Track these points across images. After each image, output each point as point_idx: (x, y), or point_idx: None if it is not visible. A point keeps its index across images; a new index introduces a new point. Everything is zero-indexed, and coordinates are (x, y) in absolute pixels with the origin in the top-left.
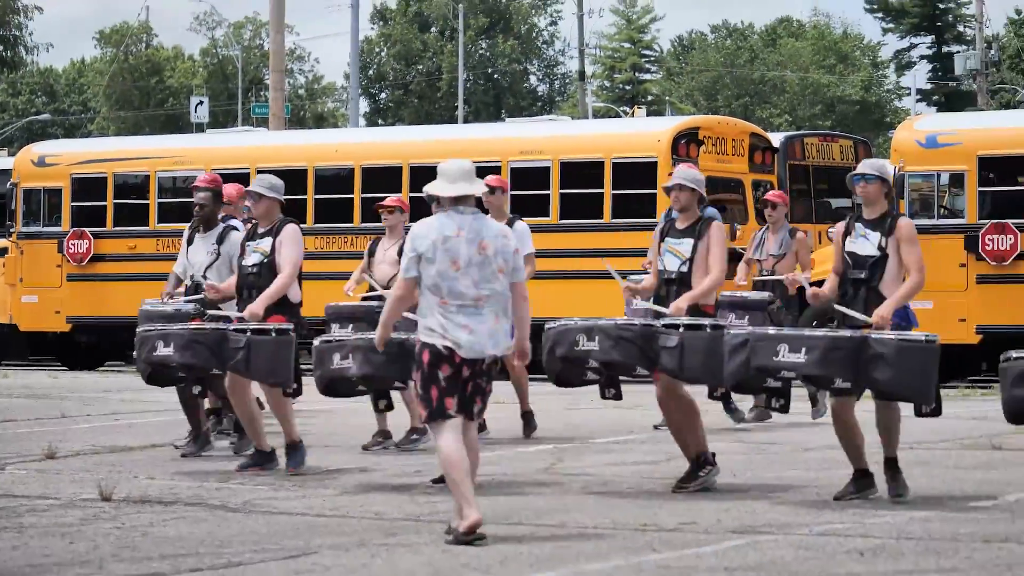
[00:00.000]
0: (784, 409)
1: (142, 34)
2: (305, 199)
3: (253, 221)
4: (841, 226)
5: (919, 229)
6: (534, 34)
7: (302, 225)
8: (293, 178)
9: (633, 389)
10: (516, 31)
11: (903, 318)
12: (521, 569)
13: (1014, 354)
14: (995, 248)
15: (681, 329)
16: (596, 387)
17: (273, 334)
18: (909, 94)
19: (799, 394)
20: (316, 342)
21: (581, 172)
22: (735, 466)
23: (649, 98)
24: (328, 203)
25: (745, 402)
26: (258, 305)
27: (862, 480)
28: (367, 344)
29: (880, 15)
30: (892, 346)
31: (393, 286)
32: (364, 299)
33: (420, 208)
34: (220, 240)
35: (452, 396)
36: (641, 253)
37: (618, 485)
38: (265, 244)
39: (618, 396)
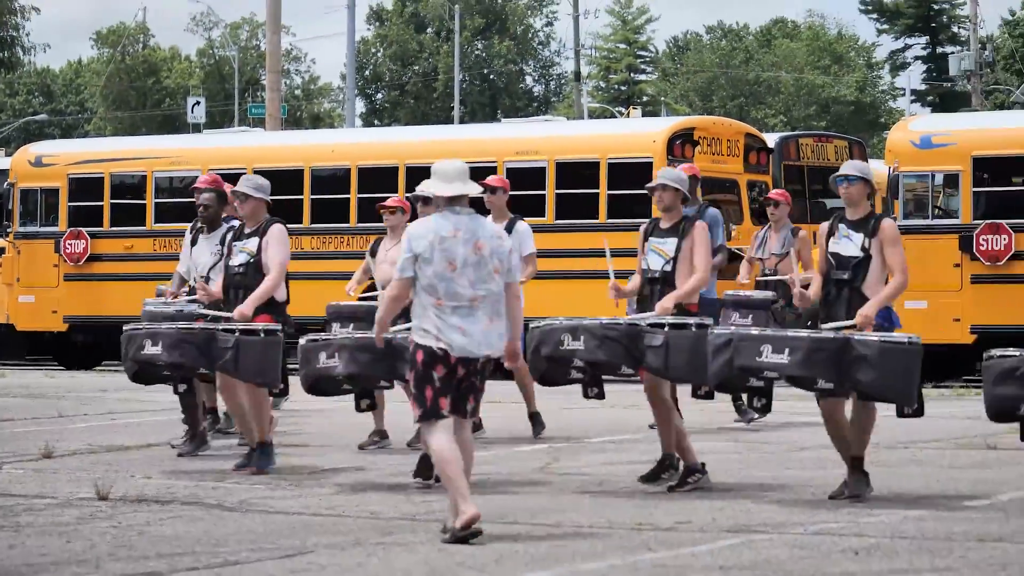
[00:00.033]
0: (766, 409)
1: (139, 35)
2: (301, 199)
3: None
4: (825, 227)
5: (914, 229)
6: (530, 35)
7: (298, 225)
8: (289, 178)
9: (629, 389)
10: (512, 32)
11: (886, 319)
12: (517, 568)
13: (996, 353)
14: (989, 248)
15: (666, 328)
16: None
17: (262, 334)
18: (904, 95)
19: (797, 394)
20: (302, 341)
21: (577, 172)
22: (730, 465)
23: (644, 99)
24: (324, 203)
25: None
26: (247, 306)
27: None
28: (353, 343)
29: (875, 16)
30: (875, 348)
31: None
32: (361, 299)
33: None
34: (224, 240)
35: (446, 396)
36: (637, 254)
37: (613, 484)
38: (252, 244)
39: (600, 395)
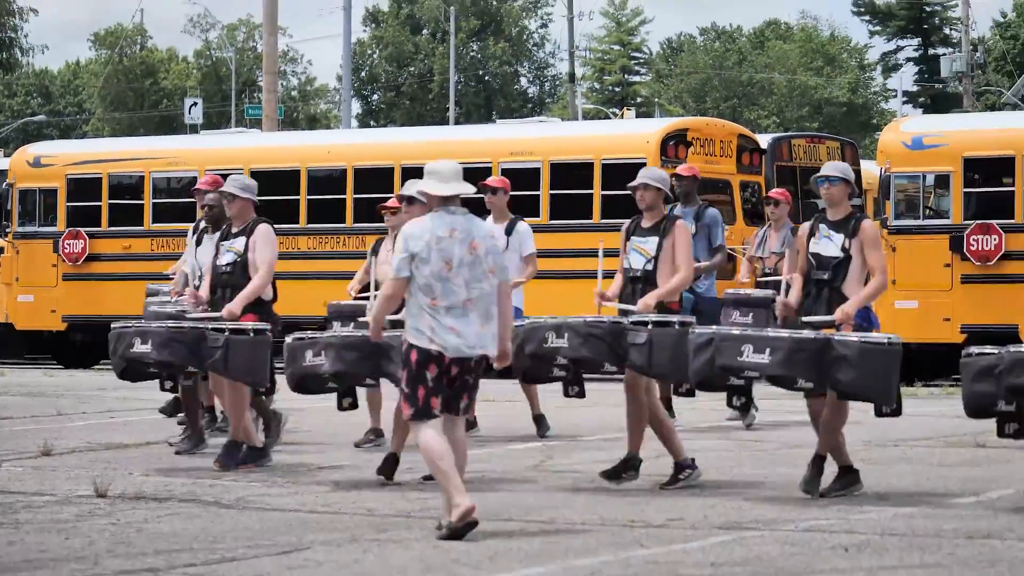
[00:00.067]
0: (745, 407)
1: (136, 36)
2: (298, 199)
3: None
4: (806, 227)
5: (905, 230)
6: (524, 36)
7: (295, 225)
8: (286, 179)
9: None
10: (507, 33)
11: (864, 319)
12: (511, 564)
13: (975, 350)
14: (980, 248)
15: (650, 326)
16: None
17: (251, 334)
18: (895, 96)
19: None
20: (288, 339)
21: (571, 173)
22: (722, 463)
23: (638, 100)
24: (321, 203)
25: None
26: (236, 304)
27: (847, 476)
28: (339, 341)
29: (867, 18)
30: (855, 348)
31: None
32: (357, 298)
33: None
34: None
35: (438, 396)
36: None
37: (606, 482)
38: (238, 244)
39: (581, 394)
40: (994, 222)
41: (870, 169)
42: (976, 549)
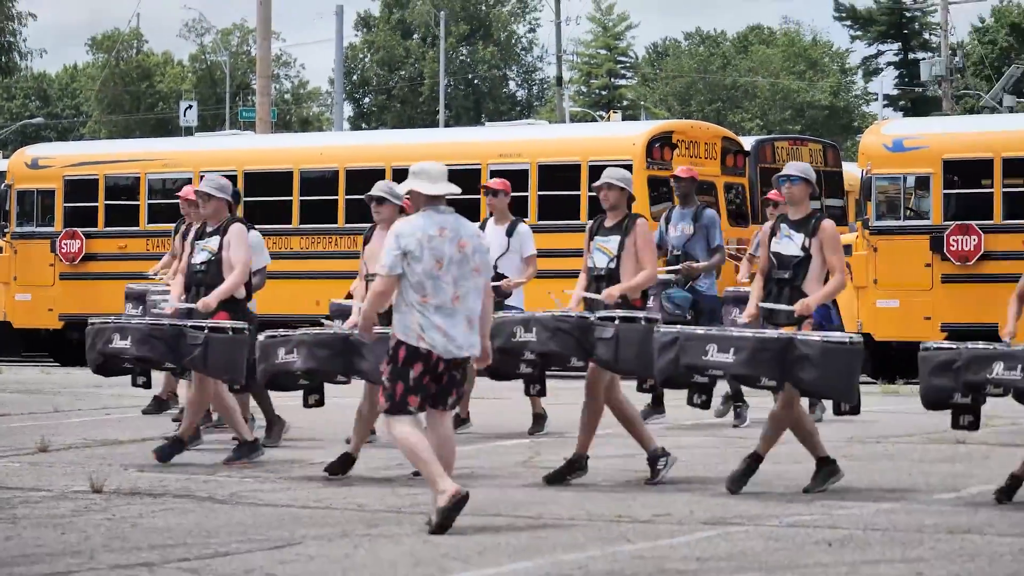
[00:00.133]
0: (705, 405)
1: (133, 40)
2: (291, 200)
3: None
4: (768, 227)
5: (886, 230)
6: (513, 41)
7: (288, 226)
8: (279, 180)
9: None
10: (496, 38)
11: (825, 318)
12: (499, 559)
13: (932, 345)
14: (959, 249)
15: (616, 321)
16: (578, 383)
17: (230, 332)
18: (876, 99)
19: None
20: (261, 337)
21: (558, 175)
22: (708, 460)
23: (624, 103)
24: (313, 204)
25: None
26: (212, 298)
27: (825, 468)
28: (311, 339)
29: (848, 23)
30: (817, 347)
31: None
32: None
33: None
34: None
35: (416, 395)
36: None
37: (593, 478)
38: (213, 243)
39: (542, 392)
40: (973, 223)
41: (852, 171)
42: (956, 544)
